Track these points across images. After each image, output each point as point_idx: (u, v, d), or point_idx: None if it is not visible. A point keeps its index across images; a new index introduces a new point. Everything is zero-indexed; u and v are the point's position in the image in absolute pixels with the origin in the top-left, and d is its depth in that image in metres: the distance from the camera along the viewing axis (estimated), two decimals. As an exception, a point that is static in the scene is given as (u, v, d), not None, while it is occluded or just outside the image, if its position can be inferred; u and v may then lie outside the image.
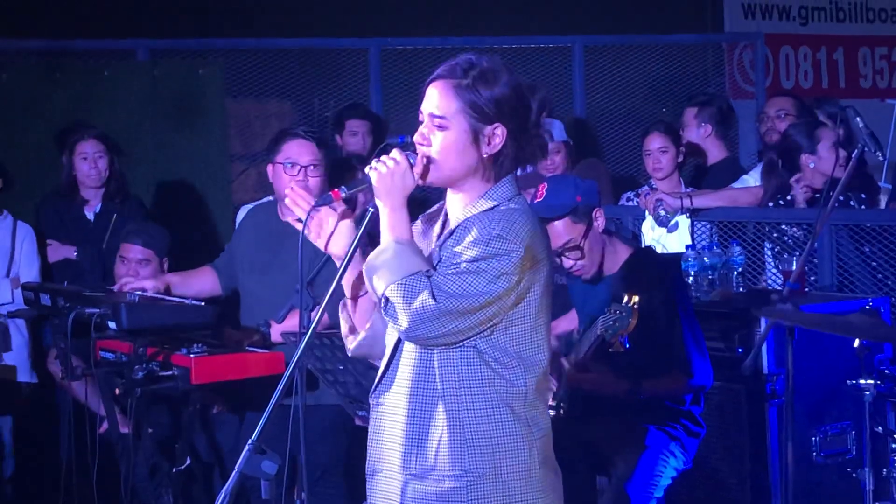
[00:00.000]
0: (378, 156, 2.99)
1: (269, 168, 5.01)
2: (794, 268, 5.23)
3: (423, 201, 3.65)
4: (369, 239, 3.05)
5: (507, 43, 8.15)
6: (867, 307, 5.19)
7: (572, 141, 6.99)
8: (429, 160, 2.96)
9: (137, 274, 5.41)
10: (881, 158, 5.02)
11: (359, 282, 3.05)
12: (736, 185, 6.49)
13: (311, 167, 4.92)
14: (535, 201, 4.46)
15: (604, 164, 7.75)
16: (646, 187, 6.51)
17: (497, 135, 2.95)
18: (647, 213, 6.26)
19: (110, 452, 5.05)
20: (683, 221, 6.21)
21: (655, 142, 6.40)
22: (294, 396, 3.05)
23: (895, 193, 6.52)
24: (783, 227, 5.90)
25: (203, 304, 4.82)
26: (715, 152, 6.86)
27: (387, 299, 2.87)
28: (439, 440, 2.92)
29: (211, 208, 7.05)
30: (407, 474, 2.96)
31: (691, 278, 5.47)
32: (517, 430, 2.93)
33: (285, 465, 3.00)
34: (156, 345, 4.69)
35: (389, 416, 3.00)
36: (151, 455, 5.30)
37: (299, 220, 3.11)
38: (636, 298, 4.13)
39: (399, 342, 2.99)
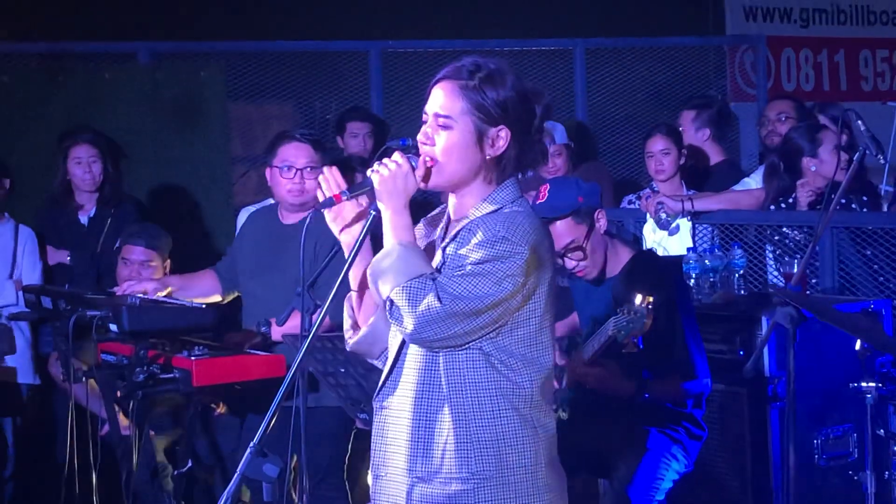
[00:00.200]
0: (380, 159, 2.99)
1: (268, 172, 5.03)
2: (795, 270, 5.22)
3: (424, 204, 3.65)
4: (373, 241, 3.04)
5: (509, 46, 8.15)
6: (868, 310, 5.19)
7: (573, 144, 6.99)
8: (431, 162, 2.96)
9: (140, 275, 5.42)
10: (882, 161, 5.02)
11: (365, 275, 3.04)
12: (737, 187, 6.50)
13: (308, 169, 4.93)
14: (538, 202, 4.45)
15: (605, 167, 7.76)
16: (647, 190, 6.51)
17: (501, 137, 2.95)
18: (648, 215, 6.27)
19: (111, 455, 5.05)
20: (685, 224, 6.21)
21: (658, 144, 6.39)
22: (295, 399, 3.05)
23: (897, 196, 6.52)
24: (784, 229, 5.90)
25: (204, 306, 4.83)
26: (714, 155, 6.86)
27: (391, 302, 2.87)
28: (445, 443, 2.92)
29: (212, 211, 7.05)
30: (413, 477, 2.95)
31: (692, 281, 5.47)
32: (523, 431, 2.93)
33: (287, 468, 3.00)
34: (157, 347, 4.69)
35: (394, 418, 3.00)
36: (152, 457, 5.31)
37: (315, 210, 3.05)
38: (650, 299, 4.13)
39: (403, 345, 2.99)
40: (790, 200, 5.91)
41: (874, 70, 10.24)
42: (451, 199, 3.05)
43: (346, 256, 3.01)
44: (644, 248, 6.02)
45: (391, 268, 2.88)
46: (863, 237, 5.71)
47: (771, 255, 6.00)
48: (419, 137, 2.98)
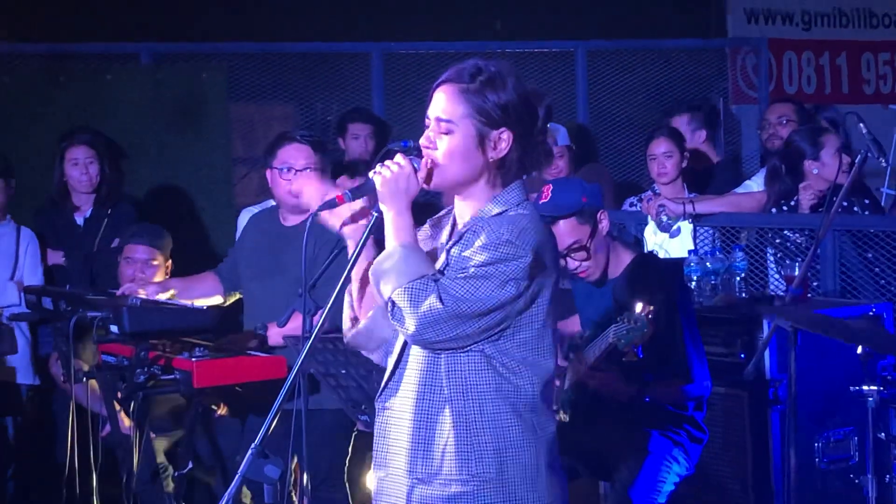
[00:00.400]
0: (381, 160, 2.99)
1: (268, 173, 5.03)
2: (796, 273, 5.22)
3: (426, 205, 3.65)
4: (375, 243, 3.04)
5: (510, 48, 8.16)
6: (870, 313, 5.19)
7: (575, 146, 6.99)
8: (433, 164, 2.96)
9: (144, 274, 5.44)
10: (884, 164, 5.03)
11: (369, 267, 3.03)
12: (739, 190, 6.50)
13: (307, 170, 4.93)
14: (541, 202, 4.45)
15: (606, 169, 7.76)
16: (649, 192, 6.51)
17: (503, 139, 2.95)
18: (649, 218, 6.26)
19: (112, 456, 5.05)
20: (686, 227, 6.21)
21: (660, 147, 6.40)
22: (296, 400, 3.05)
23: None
24: (786, 232, 5.90)
25: (205, 307, 4.82)
26: (713, 155, 6.89)
27: (393, 303, 2.87)
28: (445, 444, 2.92)
29: (213, 212, 7.05)
30: (413, 478, 2.95)
31: (694, 283, 5.47)
32: (523, 434, 2.93)
33: (288, 470, 3.00)
34: (157, 349, 4.69)
35: (395, 419, 3.00)
36: (153, 458, 5.30)
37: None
38: (651, 308, 4.13)
39: (405, 346, 2.99)
40: (792, 203, 5.91)
41: (876, 73, 10.23)
42: (457, 202, 3.05)
43: (350, 251, 3.00)
44: (645, 250, 6.02)
45: (393, 269, 2.89)
46: (864, 240, 5.71)
47: (772, 258, 5.99)
48: (422, 142, 2.98)
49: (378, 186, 2.94)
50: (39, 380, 6.01)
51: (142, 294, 4.94)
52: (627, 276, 4.54)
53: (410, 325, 2.85)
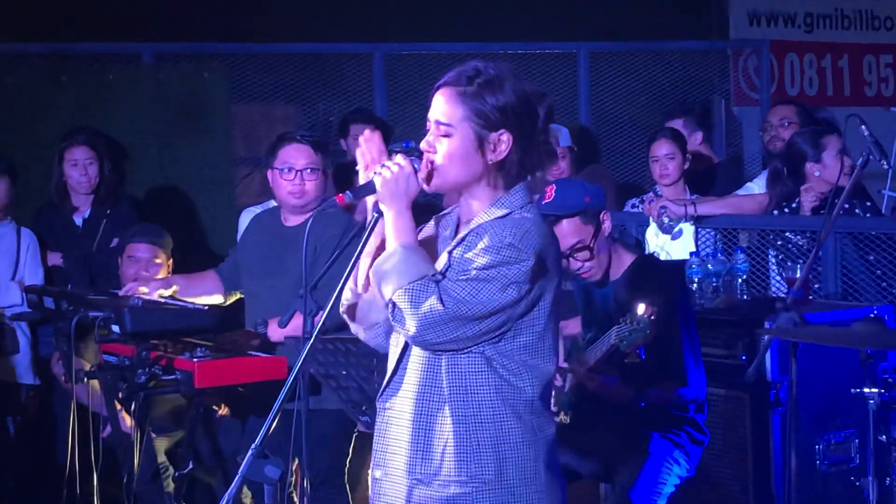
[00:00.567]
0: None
1: (269, 174, 5.03)
2: (798, 275, 5.22)
3: (427, 206, 3.65)
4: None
5: (512, 49, 8.15)
6: (871, 315, 5.18)
7: (576, 147, 6.99)
8: (433, 165, 2.97)
9: (147, 272, 5.44)
10: (886, 167, 5.02)
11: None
12: (741, 192, 6.50)
13: (308, 170, 4.94)
14: (545, 201, 4.45)
15: (608, 170, 7.76)
16: (650, 194, 6.52)
17: (503, 141, 2.96)
18: (651, 219, 6.26)
19: (113, 456, 5.05)
20: (687, 228, 6.21)
21: (663, 148, 6.40)
22: (296, 401, 3.05)
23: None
24: (788, 234, 5.89)
25: (206, 307, 4.82)
26: (712, 156, 6.89)
27: (394, 304, 2.87)
28: (445, 445, 2.92)
29: (215, 212, 7.05)
30: (412, 479, 2.96)
31: (695, 285, 5.47)
32: (523, 436, 2.93)
33: (288, 470, 3.00)
34: (159, 348, 4.69)
35: (395, 420, 3.01)
36: (154, 459, 5.31)
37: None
38: (653, 309, 4.13)
39: (406, 347, 2.99)
40: (793, 205, 5.91)
41: (878, 75, 10.23)
42: (462, 202, 3.06)
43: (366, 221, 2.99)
44: (646, 252, 6.02)
45: (393, 270, 2.89)
46: (866, 242, 5.71)
47: (774, 260, 5.99)
48: (423, 145, 2.99)
49: (378, 187, 2.95)
50: (40, 380, 6.01)
51: (144, 290, 4.95)
52: (628, 278, 4.54)
53: (411, 326, 2.85)
